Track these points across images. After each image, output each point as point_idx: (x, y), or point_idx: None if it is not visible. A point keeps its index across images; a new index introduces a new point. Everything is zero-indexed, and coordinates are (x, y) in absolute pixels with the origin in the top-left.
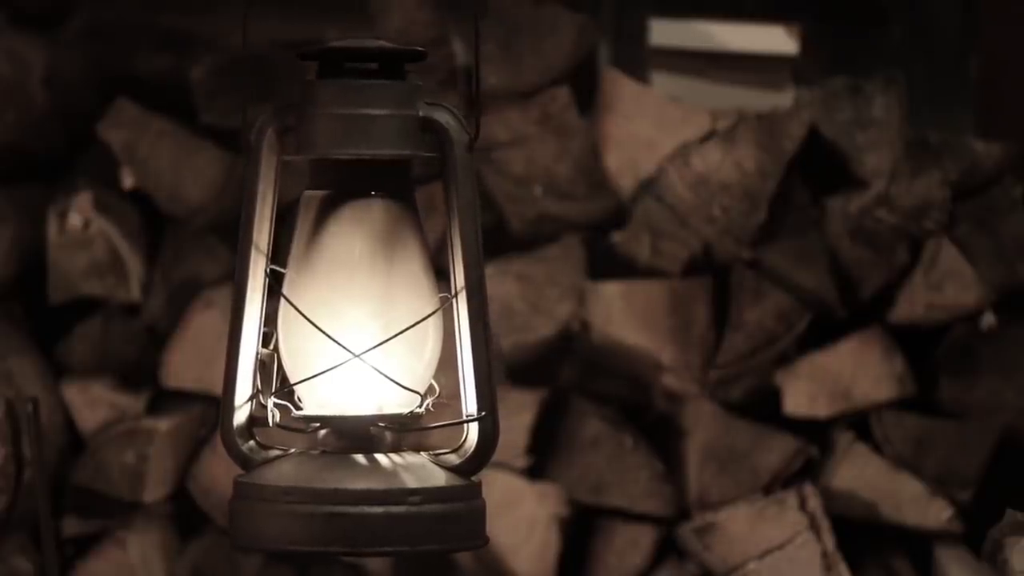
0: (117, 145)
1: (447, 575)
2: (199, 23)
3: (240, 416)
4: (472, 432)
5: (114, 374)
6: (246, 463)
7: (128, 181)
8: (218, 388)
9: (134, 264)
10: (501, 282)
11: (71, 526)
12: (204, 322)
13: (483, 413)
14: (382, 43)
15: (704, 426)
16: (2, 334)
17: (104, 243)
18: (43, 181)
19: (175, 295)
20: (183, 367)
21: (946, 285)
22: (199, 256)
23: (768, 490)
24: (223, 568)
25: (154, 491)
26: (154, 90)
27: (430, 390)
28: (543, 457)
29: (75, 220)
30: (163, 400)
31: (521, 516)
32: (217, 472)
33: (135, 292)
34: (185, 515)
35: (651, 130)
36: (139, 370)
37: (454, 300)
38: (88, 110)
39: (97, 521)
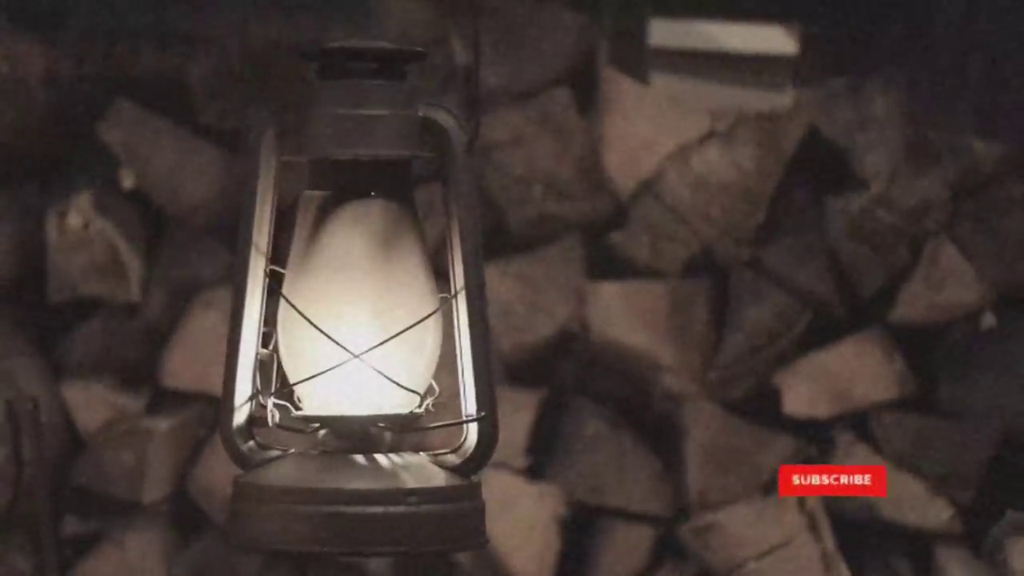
0: (117, 145)
1: (447, 575)
2: (199, 23)
3: (240, 416)
4: (472, 432)
5: (114, 374)
6: (246, 463)
7: (128, 181)
8: (218, 388)
9: (134, 264)
10: (501, 282)
11: (71, 526)
12: (204, 322)
13: (483, 413)
14: (382, 43)
15: (704, 426)
16: (2, 334)
17: (104, 243)
18: (43, 181)
19: (175, 295)
20: (183, 367)
21: (946, 285)
22: (199, 256)
23: (768, 490)
24: (223, 568)
25: (154, 491)
26: (154, 90)
27: (430, 390)
28: (543, 457)
29: (75, 220)
30: (163, 400)
31: (521, 516)
32: (217, 472)
33: (135, 292)
34: (185, 515)
35: (651, 130)
36: (139, 370)
37: (454, 300)
38: (88, 110)
39: (97, 521)
